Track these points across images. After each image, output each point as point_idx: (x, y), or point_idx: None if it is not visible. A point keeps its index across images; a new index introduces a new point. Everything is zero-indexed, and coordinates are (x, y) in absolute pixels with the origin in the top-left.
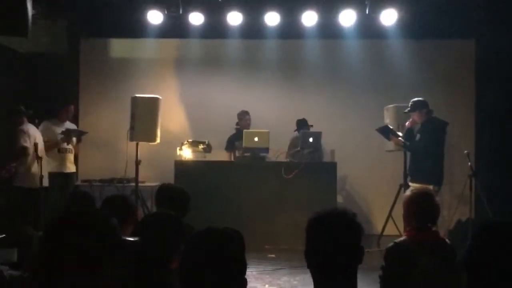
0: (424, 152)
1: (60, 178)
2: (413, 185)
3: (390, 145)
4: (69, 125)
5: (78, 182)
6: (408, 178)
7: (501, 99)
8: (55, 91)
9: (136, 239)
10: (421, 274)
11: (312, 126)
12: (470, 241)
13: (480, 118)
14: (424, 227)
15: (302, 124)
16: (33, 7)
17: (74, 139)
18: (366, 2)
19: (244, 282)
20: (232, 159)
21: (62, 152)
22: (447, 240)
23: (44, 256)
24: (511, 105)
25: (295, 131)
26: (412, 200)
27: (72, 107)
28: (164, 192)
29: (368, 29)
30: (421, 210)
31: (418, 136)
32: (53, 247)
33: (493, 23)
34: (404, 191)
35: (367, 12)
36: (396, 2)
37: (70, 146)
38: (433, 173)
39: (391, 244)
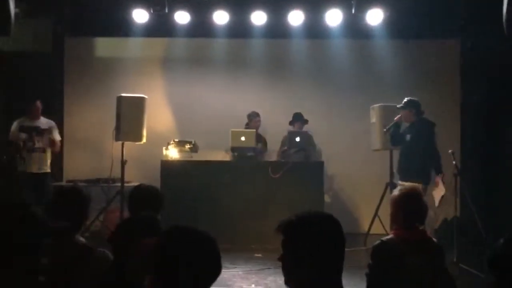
0: (415, 152)
1: (28, 178)
2: (402, 184)
3: (377, 144)
4: (44, 121)
5: (63, 183)
6: (397, 177)
7: (486, 98)
8: (39, 90)
9: (105, 251)
10: (407, 272)
11: (307, 120)
12: (502, 242)
13: (465, 117)
14: (411, 226)
15: (297, 118)
16: (16, 5)
17: (50, 137)
18: (352, 2)
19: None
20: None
21: (30, 151)
22: (433, 238)
23: None
24: (496, 105)
25: (290, 124)
26: (400, 199)
27: (38, 103)
28: (139, 194)
29: (354, 28)
30: (409, 210)
31: (408, 136)
32: None
33: (478, 23)
34: (391, 190)
35: (353, 12)
36: (382, 2)
37: (40, 145)
38: (423, 172)
39: (377, 242)
